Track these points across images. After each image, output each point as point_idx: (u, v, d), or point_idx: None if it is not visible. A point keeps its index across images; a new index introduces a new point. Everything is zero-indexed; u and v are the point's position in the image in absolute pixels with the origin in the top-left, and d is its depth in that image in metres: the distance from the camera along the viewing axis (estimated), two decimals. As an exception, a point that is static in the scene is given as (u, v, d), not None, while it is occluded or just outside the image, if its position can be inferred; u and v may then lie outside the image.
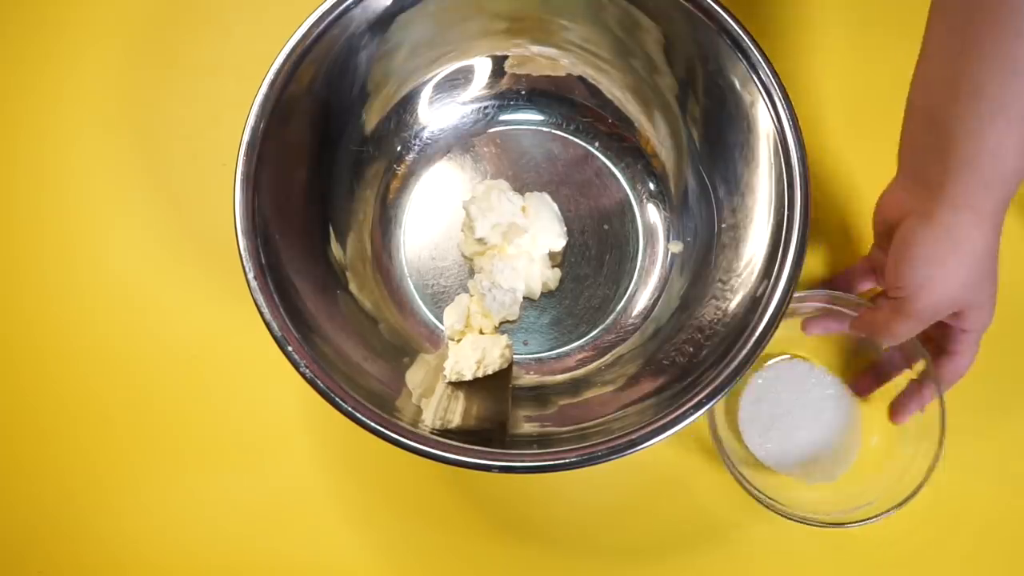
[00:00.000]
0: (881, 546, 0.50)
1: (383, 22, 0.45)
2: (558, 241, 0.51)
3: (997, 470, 0.50)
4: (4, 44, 0.57)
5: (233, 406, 0.52)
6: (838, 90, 0.55)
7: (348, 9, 0.42)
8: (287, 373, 0.40)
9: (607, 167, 0.54)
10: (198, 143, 0.55)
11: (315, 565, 0.50)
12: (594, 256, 0.52)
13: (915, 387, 0.47)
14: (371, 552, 0.50)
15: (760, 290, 0.42)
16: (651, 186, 0.53)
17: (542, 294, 0.52)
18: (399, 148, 0.53)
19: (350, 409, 0.39)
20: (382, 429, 0.39)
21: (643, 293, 0.52)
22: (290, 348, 0.40)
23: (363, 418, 0.39)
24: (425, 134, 0.53)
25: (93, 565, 0.50)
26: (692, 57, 0.45)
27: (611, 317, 0.51)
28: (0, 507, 0.51)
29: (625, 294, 0.52)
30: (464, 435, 0.42)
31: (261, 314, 0.40)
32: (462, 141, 0.53)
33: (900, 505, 0.45)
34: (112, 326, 0.53)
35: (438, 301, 0.52)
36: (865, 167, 0.53)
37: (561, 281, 0.52)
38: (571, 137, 0.54)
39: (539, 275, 0.51)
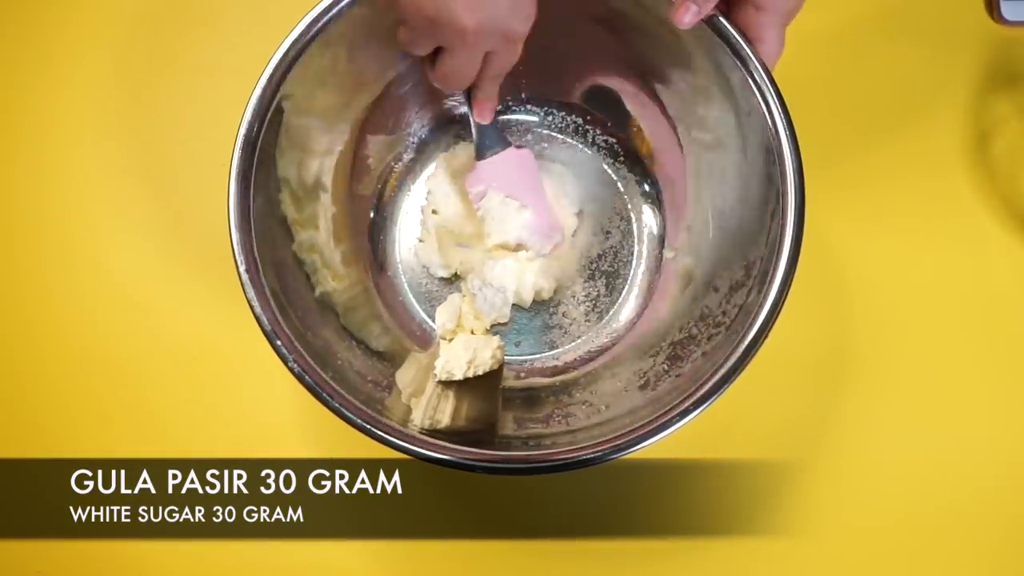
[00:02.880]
0: (881, 547, 0.49)
1: (380, 21, 0.45)
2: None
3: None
4: (4, 44, 0.57)
5: (231, 407, 0.52)
6: (835, 96, 0.55)
7: (345, 8, 0.42)
8: (283, 374, 0.40)
9: (604, 170, 0.54)
10: (197, 143, 0.55)
11: (310, 564, 0.50)
12: (589, 259, 0.52)
13: None
14: (363, 551, 0.50)
15: (753, 294, 0.41)
16: (648, 190, 0.53)
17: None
18: (396, 148, 0.53)
19: (338, 406, 0.39)
20: (369, 427, 0.39)
21: (637, 297, 0.52)
22: (279, 342, 0.39)
23: (350, 415, 0.39)
24: (422, 134, 0.54)
25: (93, 565, 0.50)
26: (689, 63, 0.45)
27: (604, 320, 0.51)
28: (0, 507, 0.51)
29: (619, 297, 0.52)
30: (453, 435, 0.41)
31: (252, 308, 0.40)
32: (460, 142, 0.53)
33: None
34: (111, 326, 0.53)
35: (431, 300, 0.52)
36: (861, 174, 0.54)
37: (555, 292, 0.52)
38: (569, 139, 0.54)
39: (531, 284, 0.50)
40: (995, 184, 0.53)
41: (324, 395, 0.39)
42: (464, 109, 0.48)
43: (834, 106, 0.55)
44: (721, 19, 0.41)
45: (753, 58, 0.42)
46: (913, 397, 0.51)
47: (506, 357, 0.49)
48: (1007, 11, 0.47)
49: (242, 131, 0.42)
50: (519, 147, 0.50)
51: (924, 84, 0.55)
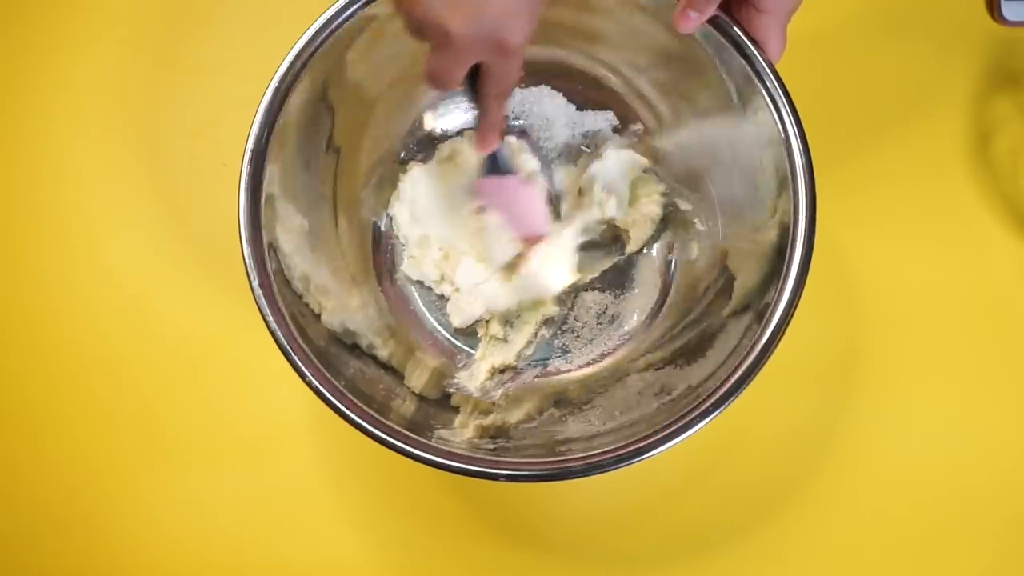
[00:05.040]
0: (894, 551, 0.50)
1: (386, 28, 0.44)
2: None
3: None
4: (4, 44, 0.57)
5: (234, 408, 0.52)
6: (835, 97, 0.55)
7: (351, 16, 0.42)
8: (289, 376, 0.40)
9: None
10: (199, 143, 0.55)
11: (316, 568, 0.50)
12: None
13: None
14: (372, 557, 0.50)
15: (765, 299, 0.42)
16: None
17: None
18: (402, 154, 0.53)
19: (355, 417, 0.39)
20: (387, 438, 0.39)
21: (647, 301, 0.52)
22: (295, 357, 0.40)
23: (368, 426, 0.39)
24: (429, 140, 0.53)
25: (93, 565, 0.50)
26: (698, 65, 0.45)
27: (616, 323, 0.51)
28: (0, 507, 0.51)
29: (628, 301, 0.52)
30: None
31: (266, 322, 0.40)
32: (466, 147, 0.53)
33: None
34: (113, 327, 0.53)
35: (441, 306, 0.52)
36: (860, 174, 0.54)
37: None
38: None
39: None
40: (996, 184, 0.54)
41: (342, 408, 0.39)
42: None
43: (834, 107, 0.55)
44: (724, 19, 0.41)
45: (759, 57, 0.42)
46: (920, 398, 0.52)
47: (520, 363, 0.50)
48: (1007, 11, 0.47)
49: (250, 144, 0.41)
50: (525, 179, 0.48)
51: (925, 84, 0.55)
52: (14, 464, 0.51)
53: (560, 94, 0.52)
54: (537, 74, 0.52)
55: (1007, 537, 0.50)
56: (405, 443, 0.39)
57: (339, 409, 0.39)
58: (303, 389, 0.39)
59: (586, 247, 0.51)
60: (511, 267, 0.49)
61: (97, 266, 0.54)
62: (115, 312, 0.53)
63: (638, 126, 0.52)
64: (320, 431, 0.51)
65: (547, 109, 0.52)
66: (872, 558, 0.50)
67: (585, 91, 0.52)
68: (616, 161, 0.50)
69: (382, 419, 0.40)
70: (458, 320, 0.50)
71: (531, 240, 0.49)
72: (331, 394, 0.39)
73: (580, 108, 0.52)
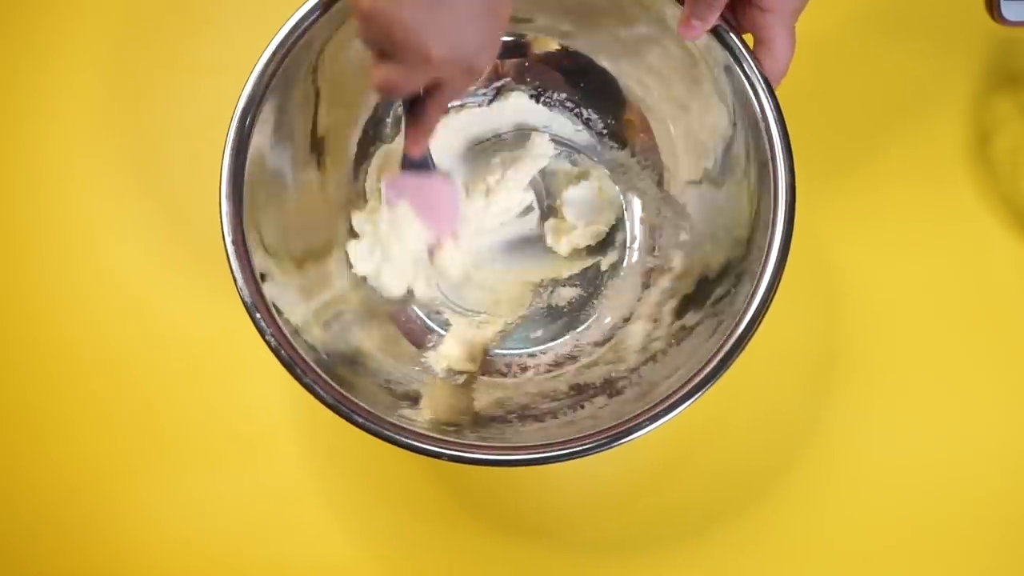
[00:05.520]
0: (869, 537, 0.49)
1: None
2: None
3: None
4: (4, 44, 0.57)
5: (232, 407, 0.52)
6: (835, 98, 0.55)
7: (333, 2, 0.43)
8: (279, 372, 0.40)
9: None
10: (199, 143, 0.54)
11: (309, 561, 0.50)
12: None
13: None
14: (358, 544, 0.50)
15: (743, 292, 0.41)
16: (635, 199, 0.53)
17: None
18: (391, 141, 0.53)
19: (310, 382, 0.39)
20: (339, 404, 0.39)
21: (622, 304, 0.51)
22: (258, 315, 0.40)
23: (321, 392, 0.39)
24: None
25: (92, 564, 0.51)
26: (680, 58, 0.46)
27: (591, 320, 0.50)
28: (0, 507, 0.51)
29: (604, 302, 0.51)
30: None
31: (234, 279, 0.40)
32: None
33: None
34: (112, 326, 0.53)
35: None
36: (860, 175, 0.53)
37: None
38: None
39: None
40: (996, 184, 0.53)
41: (297, 370, 0.39)
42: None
43: (833, 108, 0.54)
44: (724, 27, 0.42)
45: (746, 56, 0.42)
46: (918, 399, 0.51)
47: (494, 351, 0.50)
48: (1007, 11, 0.46)
49: (241, 103, 0.43)
50: (443, 175, 0.47)
51: (924, 85, 0.54)
52: (12, 464, 0.52)
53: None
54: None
55: (992, 537, 0.50)
56: (358, 413, 0.39)
57: (295, 371, 0.39)
58: (296, 388, 0.39)
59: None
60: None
61: (96, 266, 0.54)
62: (114, 312, 0.53)
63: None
64: (306, 424, 0.51)
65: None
66: (849, 547, 0.49)
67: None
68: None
69: (336, 386, 0.40)
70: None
71: (442, 239, 0.47)
72: (290, 356, 0.39)
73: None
